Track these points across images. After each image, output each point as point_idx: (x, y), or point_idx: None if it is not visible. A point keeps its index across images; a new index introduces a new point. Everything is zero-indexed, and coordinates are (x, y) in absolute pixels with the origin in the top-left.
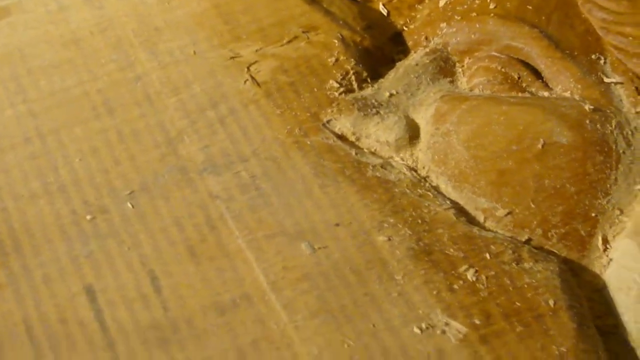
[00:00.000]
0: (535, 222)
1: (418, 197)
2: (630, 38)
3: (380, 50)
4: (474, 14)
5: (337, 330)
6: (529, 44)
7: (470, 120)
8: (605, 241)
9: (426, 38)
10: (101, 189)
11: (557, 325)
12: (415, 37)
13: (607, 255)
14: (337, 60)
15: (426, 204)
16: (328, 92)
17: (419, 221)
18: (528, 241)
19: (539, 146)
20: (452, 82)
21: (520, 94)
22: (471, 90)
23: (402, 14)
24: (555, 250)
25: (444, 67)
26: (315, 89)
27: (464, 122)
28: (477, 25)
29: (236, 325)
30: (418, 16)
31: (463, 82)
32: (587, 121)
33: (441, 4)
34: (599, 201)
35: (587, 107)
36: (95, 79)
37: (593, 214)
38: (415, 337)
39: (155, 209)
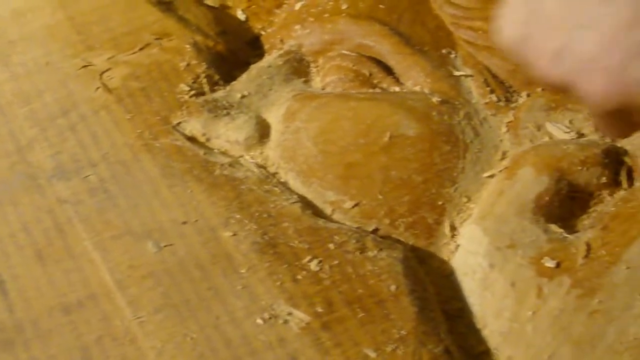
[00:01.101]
0: (382, 212)
1: (264, 193)
2: (480, 32)
3: (235, 54)
4: (327, 15)
5: (181, 324)
6: (379, 42)
7: (320, 116)
8: (453, 228)
9: (281, 41)
10: None
11: (398, 309)
12: (272, 40)
13: (455, 242)
14: (188, 64)
15: (273, 199)
16: (178, 96)
17: (265, 216)
18: (375, 231)
19: (386, 139)
20: (306, 82)
21: (371, 90)
22: (324, 88)
23: (260, 19)
24: (402, 239)
25: (297, 67)
26: (166, 93)
27: (313, 118)
28: (329, 26)
29: (81, 324)
30: (276, 20)
31: (317, 82)
32: (435, 113)
33: (297, 7)
34: (447, 190)
35: (434, 99)
36: None
37: (440, 202)
38: (257, 328)
39: (3, 215)
